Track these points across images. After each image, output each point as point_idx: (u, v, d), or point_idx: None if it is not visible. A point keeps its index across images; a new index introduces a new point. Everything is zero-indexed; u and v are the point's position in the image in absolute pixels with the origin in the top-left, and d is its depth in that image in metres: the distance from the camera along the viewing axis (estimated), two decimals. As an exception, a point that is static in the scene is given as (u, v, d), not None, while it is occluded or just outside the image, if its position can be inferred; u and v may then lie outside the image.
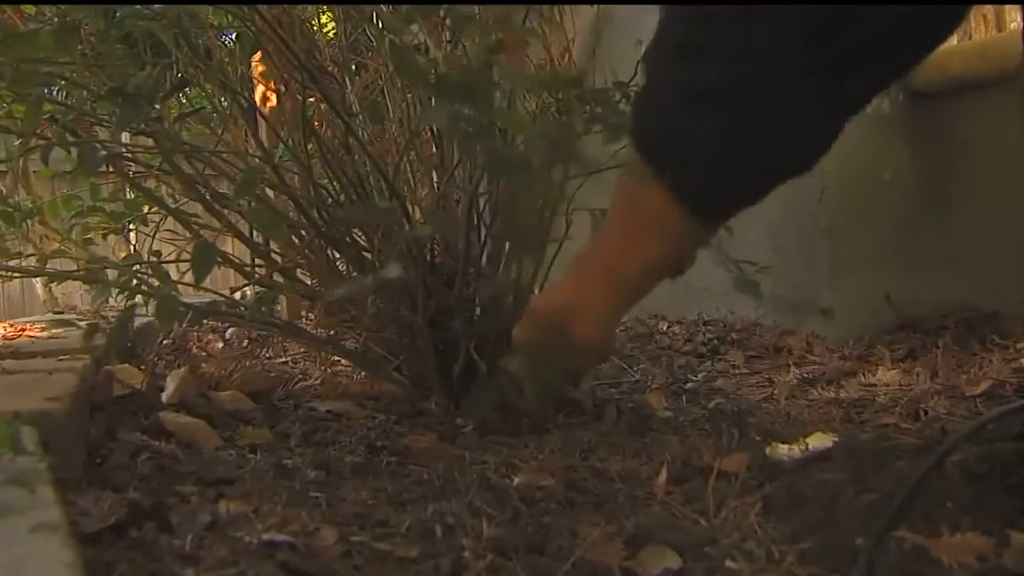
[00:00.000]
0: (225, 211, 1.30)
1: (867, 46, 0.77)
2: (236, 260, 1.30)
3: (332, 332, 1.42)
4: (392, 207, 1.19)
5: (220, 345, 2.04)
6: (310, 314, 1.93)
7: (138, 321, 1.82)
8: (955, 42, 1.72)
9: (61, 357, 1.28)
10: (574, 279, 0.95)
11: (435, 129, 1.35)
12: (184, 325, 2.00)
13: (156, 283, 1.16)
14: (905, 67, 0.83)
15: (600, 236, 0.97)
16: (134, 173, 1.32)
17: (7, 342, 1.68)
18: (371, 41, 1.39)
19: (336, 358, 1.52)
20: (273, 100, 1.33)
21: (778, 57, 0.77)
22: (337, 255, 1.33)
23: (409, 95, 1.32)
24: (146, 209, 1.37)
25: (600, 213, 1.05)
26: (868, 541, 0.65)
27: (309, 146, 1.24)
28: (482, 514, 0.78)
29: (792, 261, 1.74)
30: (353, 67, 1.39)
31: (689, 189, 0.85)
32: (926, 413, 1.14)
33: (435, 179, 1.34)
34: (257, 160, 1.29)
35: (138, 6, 1.13)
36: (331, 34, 1.42)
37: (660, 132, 0.85)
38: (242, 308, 1.47)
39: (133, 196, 1.37)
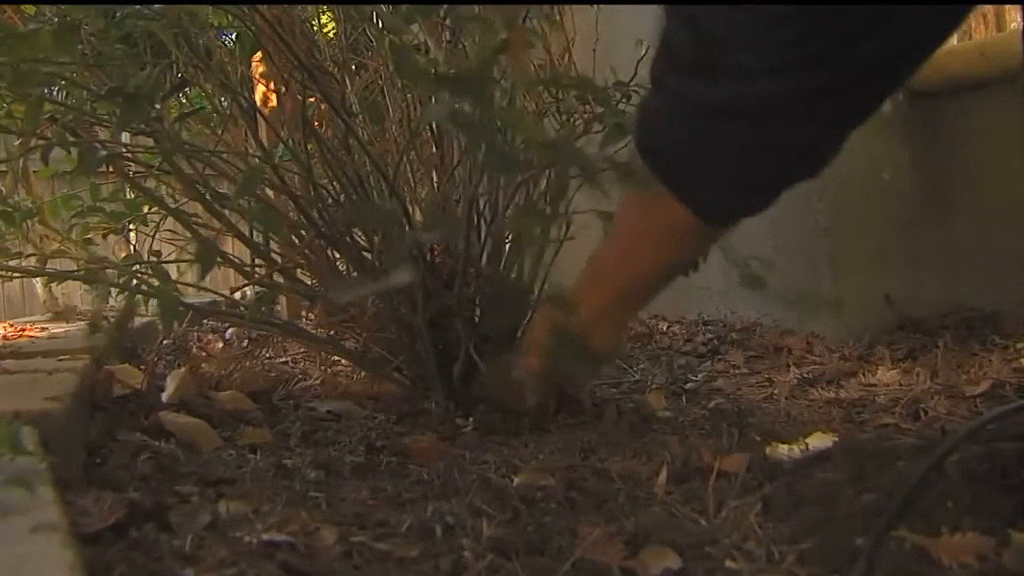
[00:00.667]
0: (225, 211, 1.30)
1: (872, 64, 0.77)
2: (236, 260, 1.30)
3: (332, 332, 1.42)
4: (393, 208, 1.19)
5: (220, 345, 2.04)
6: (310, 314, 1.93)
7: (138, 321, 1.83)
8: (955, 42, 1.72)
9: (61, 357, 1.28)
10: (586, 289, 0.96)
11: (435, 129, 1.35)
12: (184, 325, 2.00)
13: (156, 283, 1.16)
14: (907, 77, 0.83)
15: (609, 245, 0.98)
16: (134, 173, 1.32)
17: (7, 342, 1.68)
18: (371, 41, 1.39)
19: (336, 358, 1.52)
20: (273, 100, 1.33)
21: (785, 78, 0.77)
22: (337, 255, 1.33)
23: (409, 95, 1.32)
24: (146, 209, 1.37)
25: (600, 215, 1.05)
26: (868, 541, 0.65)
27: (309, 146, 1.24)
28: (482, 514, 0.78)
29: (792, 261, 1.74)
30: (353, 67, 1.39)
31: (699, 199, 0.86)
32: (926, 413, 1.13)
33: (435, 179, 1.34)
34: (257, 160, 1.29)
35: (138, 6, 1.13)
36: (331, 34, 1.42)
37: (668, 144, 0.86)
38: (242, 308, 1.47)
39: (133, 196, 1.37)
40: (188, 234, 1.29)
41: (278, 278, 1.40)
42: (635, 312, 1.01)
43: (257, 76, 1.41)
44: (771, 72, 0.77)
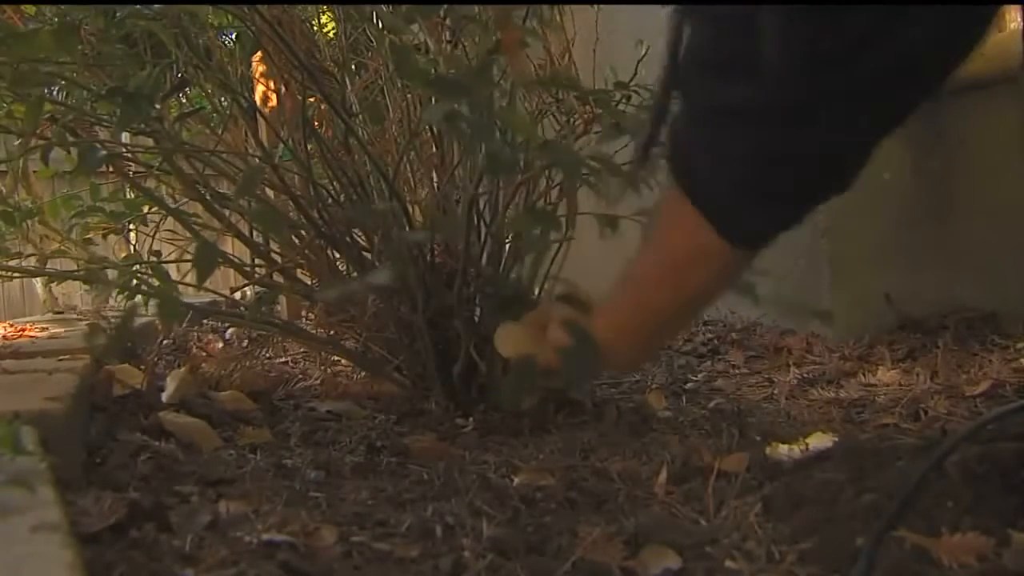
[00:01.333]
0: (225, 211, 1.30)
1: (896, 67, 0.76)
2: (236, 260, 1.30)
3: (332, 332, 1.42)
4: (393, 208, 1.19)
5: (220, 345, 2.04)
6: (310, 314, 1.93)
7: (138, 321, 1.83)
8: (955, 42, 1.72)
9: (61, 357, 1.28)
10: (613, 300, 0.93)
11: (435, 129, 1.35)
12: (184, 325, 2.00)
13: (156, 283, 1.16)
14: (937, 84, 0.81)
15: (638, 259, 0.94)
16: (134, 173, 1.32)
17: (7, 342, 1.68)
18: (371, 41, 1.39)
19: (336, 358, 1.52)
20: (273, 100, 1.33)
21: (803, 78, 0.76)
22: (337, 255, 1.33)
23: (409, 95, 1.32)
24: (146, 209, 1.37)
25: (598, 216, 1.05)
26: (868, 541, 0.65)
27: (309, 146, 1.24)
28: (482, 514, 0.78)
29: (792, 261, 1.74)
30: (353, 67, 1.39)
31: (728, 220, 0.83)
32: (926, 413, 1.14)
33: (435, 179, 1.34)
34: (257, 160, 1.29)
35: (138, 6, 1.13)
36: (331, 34, 1.42)
37: (690, 150, 0.84)
38: (242, 308, 1.47)
39: (133, 196, 1.37)
40: (188, 234, 1.29)
41: (278, 278, 1.40)
42: (658, 337, 0.93)
43: (257, 76, 1.41)
44: (790, 72, 0.76)
